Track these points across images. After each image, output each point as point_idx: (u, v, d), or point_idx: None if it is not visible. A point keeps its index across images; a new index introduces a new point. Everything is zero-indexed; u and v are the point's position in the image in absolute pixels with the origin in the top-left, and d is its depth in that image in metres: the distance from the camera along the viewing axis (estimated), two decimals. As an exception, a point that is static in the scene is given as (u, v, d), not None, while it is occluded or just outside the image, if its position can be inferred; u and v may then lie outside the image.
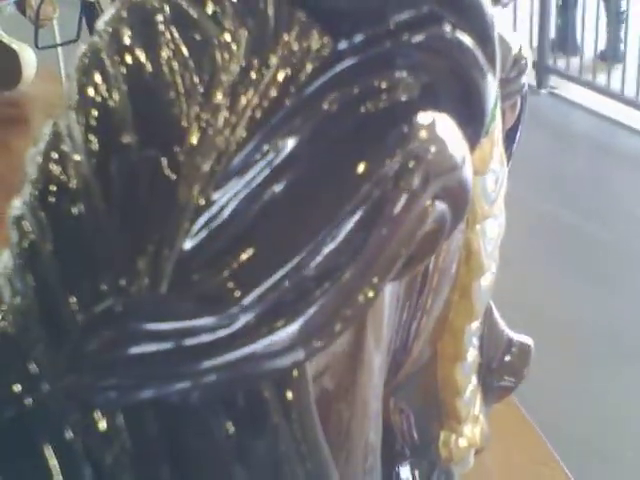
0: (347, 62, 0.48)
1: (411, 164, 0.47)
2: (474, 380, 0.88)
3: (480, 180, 0.76)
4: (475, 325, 0.84)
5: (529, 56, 0.82)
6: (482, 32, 0.52)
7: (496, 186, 0.78)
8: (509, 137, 0.87)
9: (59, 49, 2.80)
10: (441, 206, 0.50)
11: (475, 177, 0.75)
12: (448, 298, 0.80)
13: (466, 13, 0.51)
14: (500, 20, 0.78)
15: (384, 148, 0.47)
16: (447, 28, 0.50)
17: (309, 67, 0.48)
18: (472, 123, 0.53)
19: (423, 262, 0.54)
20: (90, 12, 3.10)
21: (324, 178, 0.47)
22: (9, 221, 0.53)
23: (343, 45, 0.48)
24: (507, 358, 0.93)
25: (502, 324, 0.94)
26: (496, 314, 0.93)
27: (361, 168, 0.47)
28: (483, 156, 0.74)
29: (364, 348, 0.62)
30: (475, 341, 0.86)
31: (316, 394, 0.54)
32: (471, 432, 0.89)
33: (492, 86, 0.53)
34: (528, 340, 0.96)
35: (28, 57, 2.72)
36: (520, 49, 0.82)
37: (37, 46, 2.58)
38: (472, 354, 0.86)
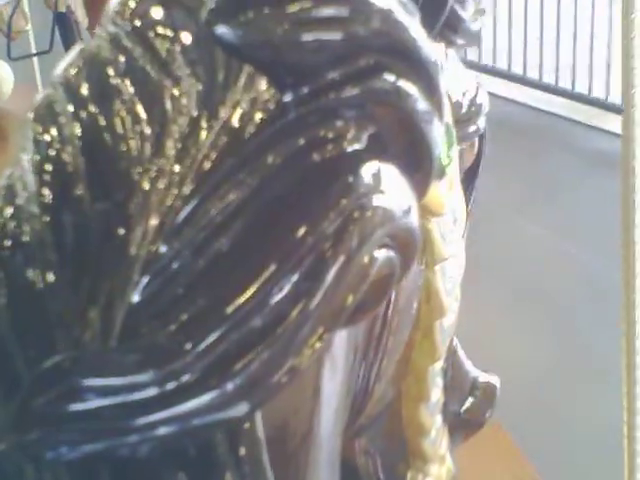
0: (293, 114, 0.49)
1: (356, 214, 0.48)
2: (439, 420, 0.88)
3: (438, 221, 0.76)
4: (438, 365, 0.85)
5: (486, 98, 0.83)
6: (428, 80, 0.52)
7: (455, 226, 0.79)
8: (468, 177, 0.88)
9: (35, 62, 2.81)
10: (389, 253, 0.51)
11: (432, 219, 0.76)
12: (410, 338, 0.80)
13: (411, 63, 0.51)
14: (453, 64, 0.79)
15: (327, 200, 0.47)
16: (392, 78, 0.50)
17: (256, 119, 0.49)
18: (420, 170, 0.54)
19: (376, 307, 0.54)
20: (63, 23, 3.12)
21: (268, 233, 0.47)
22: None
23: (289, 97, 0.49)
24: (471, 399, 0.94)
25: (467, 364, 0.95)
26: (461, 353, 0.93)
27: (302, 226, 0.47)
28: (440, 198, 0.75)
29: (320, 393, 0.62)
30: (439, 381, 0.86)
31: (270, 441, 0.54)
32: (438, 472, 0.89)
33: (439, 132, 0.54)
34: (495, 380, 0.96)
35: (4, 73, 2.72)
36: (477, 91, 0.83)
37: (9, 57, 2.58)
38: (436, 394, 0.86)
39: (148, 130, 0.49)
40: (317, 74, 0.49)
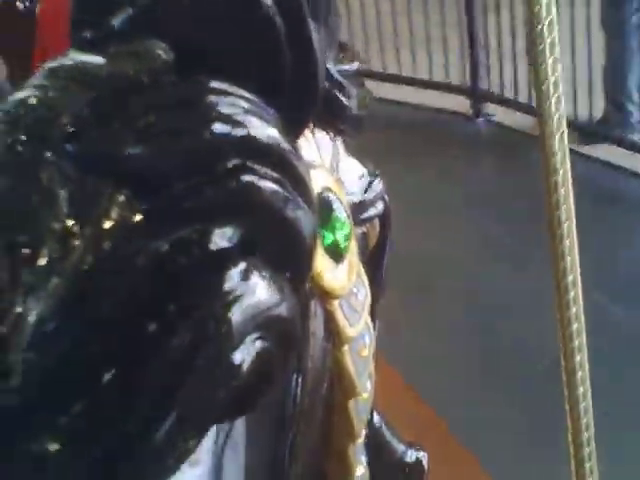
0: (156, 219, 0.50)
1: (220, 313, 0.50)
2: (367, 496, 0.89)
3: (340, 303, 0.79)
4: (359, 442, 0.86)
5: (380, 182, 0.87)
6: (296, 179, 0.55)
7: (359, 304, 0.82)
8: (375, 256, 0.91)
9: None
10: (264, 344, 0.53)
11: (334, 301, 0.79)
12: (325, 419, 0.82)
13: (270, 160, 0.53)
14: (342, 151, 0.82)
15: (189, 305, 0.49)
16: (252, 178, 0.52)
17: (120, 229, 0.49)
18: (294, 259, 0.56)
19: (263, 394, 0.55)
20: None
21: (124, 339, 0.48)
22: None
23: (151, 206, 0.50)
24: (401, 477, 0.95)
25: (393, 441, 0.96)
26: (385, 430, 0.95)
27: (163, 329, 0.48)
28: (339, 281, 0.78)
29: (222, 473, 0.64)
30: (362, 458, 0.88)
31: None
32: None
33: (308, 222, 0.56)
34: (422, 456, 0.97)
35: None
36: (374, 173, 0.87)
37: None
38: (360, 470, 0.88)
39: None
40: (176, 179, 0.50)
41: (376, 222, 0.88)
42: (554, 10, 1.03)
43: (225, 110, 0.51)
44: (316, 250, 0.59)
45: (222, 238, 0.51)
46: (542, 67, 1.05)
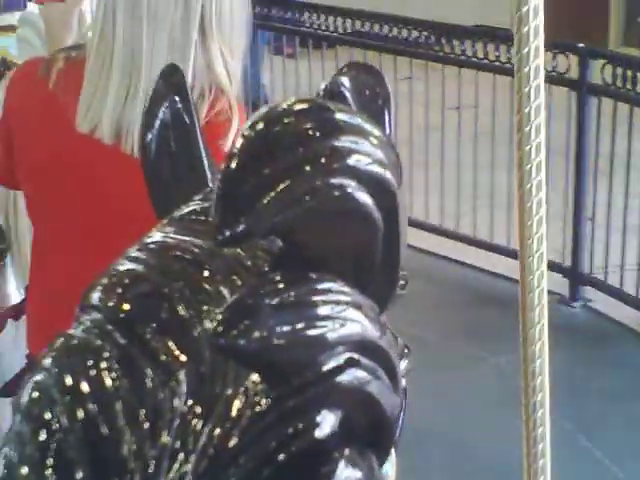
0: (277, 408, 0.57)
1: None
2: None
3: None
4: None
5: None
6: (389, 368, 0.62)
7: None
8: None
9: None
10: None
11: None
12: None
13: (376, 357, 0.60)
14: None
15: None
16: (361, 373, 0.59)
17: (249, 413, 0.57)
18: (381, 444, 0.64)
19: None
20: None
21: None
22: None
23: (278, 392, 0.57)
24: None
25: None
26: None
27: None
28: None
29: None
30: None
31: None
32: None
33: (397, 409, 0.64)
34: None
35: None
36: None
37: None
38: None
39: (143, 418, 0.56)
40: (302, 372, 0.57)
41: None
42: None
43: (340, 312, 0.57)
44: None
45: (327, 426, 0.58)
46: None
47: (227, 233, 0.54)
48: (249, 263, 0.62)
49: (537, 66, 0.80)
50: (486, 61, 4.76)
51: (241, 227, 0.54)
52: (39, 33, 2.58)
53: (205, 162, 0.74)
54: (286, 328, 0.53)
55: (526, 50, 0.80)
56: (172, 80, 0.76)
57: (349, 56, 5.11)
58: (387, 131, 0.71)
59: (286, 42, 5.77)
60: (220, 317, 0.53)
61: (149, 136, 0.75)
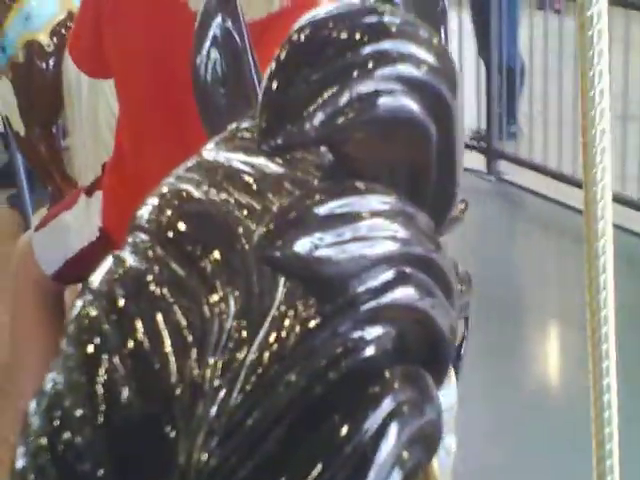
0: (330, 325, 0.55)
1: (394, 411, 0.54)
2: None
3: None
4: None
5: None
6: (444, 282, 0.59)
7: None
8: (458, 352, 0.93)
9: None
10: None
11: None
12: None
13: (430, 273, 0.58)
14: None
15: (367, 400, 0.54)
16: (412, 290, 0.56)
17: (299, 331, 0.54)
18: (438, 362, 0.61)
19: None
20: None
21: (313, 433, 0.53)
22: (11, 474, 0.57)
23: (327, 309, 0.55)
24: None
25: None
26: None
27: (345, 426, 0.53)
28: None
29: None
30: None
31: None
32: None
33: (453, 324, 0.61)
34: None
35: None
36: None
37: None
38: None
39: (190, 337, 0.54)
40: (351, 287, 0.54)
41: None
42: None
43: (391, 224, 0.55)
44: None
45: (385, 343, 0.56)
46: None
47: (273, 142, 0.52)
48: (299, 178, 0.60)
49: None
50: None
51: (287, 135, 0.52)
52: None
53: (257, 88, 0.71)
54: (333, 239, 0.51)
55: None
56: None
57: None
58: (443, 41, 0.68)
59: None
60: (264, 228, 0.51)
61: (199, 59, 0.72)
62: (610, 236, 0.76)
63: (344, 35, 0.53)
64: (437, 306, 0.58)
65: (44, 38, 4.00)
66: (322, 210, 0.51)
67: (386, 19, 0.54)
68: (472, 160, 5.33)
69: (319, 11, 0.54)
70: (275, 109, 0.52)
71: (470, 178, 5.29)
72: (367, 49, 0.53)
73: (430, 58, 0.55)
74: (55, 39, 3.99)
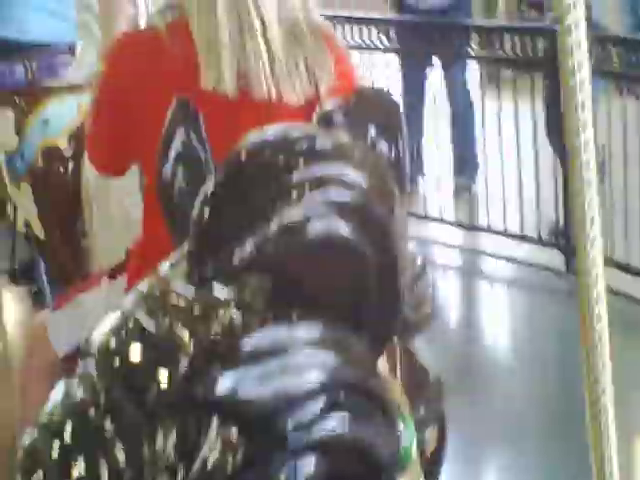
0: (260, 462, 0.56)
1: None
2: None
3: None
4: None
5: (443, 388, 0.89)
6: (383, 407, 0.60)
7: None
8: (434, 459, 0.92)
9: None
10: None
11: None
12: None
13: (365, 394, 0.59)
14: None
15: None
16: (347, 416, 0.57)
17: (228, 468, 0.57)
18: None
19: None
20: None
21: None
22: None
23: (256, 446, 0.56)
24: None
25: None
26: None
27: None
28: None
29: None
30: None
31: None
32: None
33: (393, 447, 0.61)
34: None
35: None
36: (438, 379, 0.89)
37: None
38: None
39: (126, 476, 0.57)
40: (280, 422, 0.55)
41: (436, 427, 0.90)
42: None
43: (320, 353, 0.55)
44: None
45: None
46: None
47: (203, 271, 0.53)
48: (240, 303, 0.60)
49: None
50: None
51: (216, 264, 0.52)
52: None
53: None
54: (259, 373, 0.51)
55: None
56: (185, 110, 0.75)
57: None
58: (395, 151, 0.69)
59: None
60: (187, 366, 0.51)
61: (165, 165, 0.74)
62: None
63: (276, 161, 0.54)
64: (374, 432, 0.57)
65: (62, 143, 4.06)
66: (248, 344, 0.52)
67: (318, 144, 0.55)
68: (549, 257, 5.06)
69: (256, 134, 0.55)
70: (205, 238, 0.53)
71: (547, 277, 4.97)
72: (297, 175, 0.53)
73: (363, 179, 0.55)
74: (73, 143, 4.04)
